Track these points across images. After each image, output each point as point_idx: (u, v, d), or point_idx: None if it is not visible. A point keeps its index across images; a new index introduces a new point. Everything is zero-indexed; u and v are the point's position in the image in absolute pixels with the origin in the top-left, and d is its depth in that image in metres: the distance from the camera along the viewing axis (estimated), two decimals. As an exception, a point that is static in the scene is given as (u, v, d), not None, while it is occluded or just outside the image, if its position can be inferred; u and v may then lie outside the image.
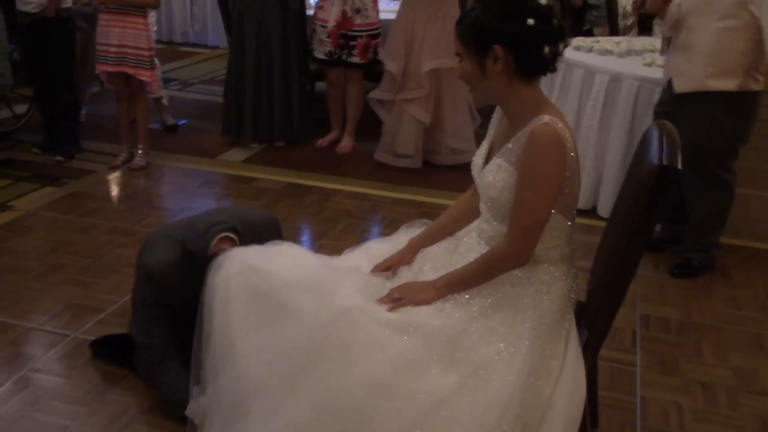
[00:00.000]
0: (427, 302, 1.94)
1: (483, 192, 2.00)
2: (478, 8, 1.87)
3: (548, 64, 1.89)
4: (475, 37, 1.86)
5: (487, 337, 1.86)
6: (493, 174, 1.93)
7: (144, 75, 4.51)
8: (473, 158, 2.10)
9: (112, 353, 2.74)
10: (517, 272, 1.95)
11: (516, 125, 1.93)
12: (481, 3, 1.88)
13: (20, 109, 5.34)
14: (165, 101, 5.42)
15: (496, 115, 2.08)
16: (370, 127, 5.06)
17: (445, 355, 1.83)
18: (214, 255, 2.18)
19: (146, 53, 4.47)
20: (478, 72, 1.88)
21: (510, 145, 1.91)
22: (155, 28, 4.92)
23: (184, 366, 2.41)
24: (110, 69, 4.54)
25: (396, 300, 1.95)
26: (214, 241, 2.39)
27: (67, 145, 4.83)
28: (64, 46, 4.71)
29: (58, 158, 4.75)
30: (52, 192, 4.31)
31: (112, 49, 4.47)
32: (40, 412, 2.49)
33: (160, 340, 2.51)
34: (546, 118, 1.84)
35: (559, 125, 1.85)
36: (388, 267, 2.15)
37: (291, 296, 1.96)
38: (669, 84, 3.43)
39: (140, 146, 4.70)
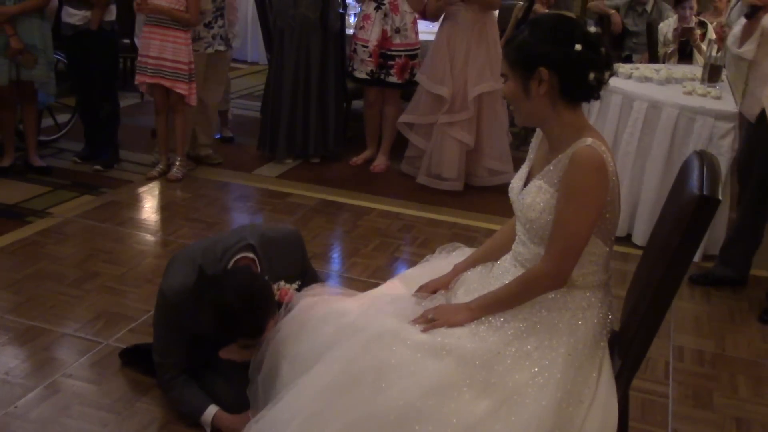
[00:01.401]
0: (461, 324, 1.94)
1: (521, 214, 1.99)
2: (527, 30, 1.88)
3: (592, 91, 1.89)
4: (521, 58, 1.87)
5: (521, 361, 1.85)
6: (532, 196, 1.93)
7: (181, 88, 4.57)
8: (512, 181, 2.10)
9: (140, 362, 2.76)
10: (553, 296, 1.94)
11: (557, 148, 1.92)
12: (531, 25, 1.90)
13: (62, 118, 5.45)
14: (230, 115, 5.62)
15: (536, 139, 2.08)
16: (404, 146, 5.07)
17: (478, 380, 1.82)
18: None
19: (185, 67, 4.53)
20: (522, 93, 1.89)
21: (551, 167, 1.90)
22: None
23: (189, 380, 2.52)
24: (147, 80, 4.61)
25: (430, 321, 1.94)
26: (231, 264, 2.41)
27: (106, 155, 4.91)
28: (106, 57, 4.80)
29: (97, 167, 4.83)
30: (89, 200, 4.38)
31: (151, 61, 4.55)
32: (71, 418, 2.51)
33: (172, 360, 2.53)
34: (589, 140, 1.84)
35: (602, 148, 1.84)
36: (434, 290, 2.16)
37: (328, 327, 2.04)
38: (761, 117, 3.38)
39: (178, 158, 4.76)
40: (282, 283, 2.44)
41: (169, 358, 2.52)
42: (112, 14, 4.71)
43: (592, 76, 1.85)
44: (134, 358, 2.79)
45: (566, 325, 1.91)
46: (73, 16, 4.64)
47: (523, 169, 2.09)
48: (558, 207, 1.87)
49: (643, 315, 1.89)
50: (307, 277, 2.66)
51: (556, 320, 1.92)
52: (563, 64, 1.83)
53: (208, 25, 4.77)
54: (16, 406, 2.55)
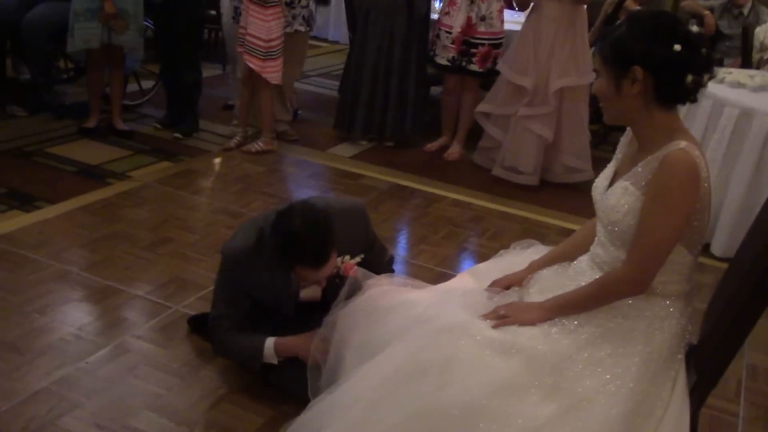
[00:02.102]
0: (533, 322, 1.90)
1: (604, 215, 1.94)
2: (625, 26, 1.82)
3: (689, 94, 1.81)
4: (616, 55, 1.80)
5: (593, 368, 1.81)
6: (617, 197, 1.87)
7: (254, 63, 4.59)
8: (596, 180, 2.04)
9: (207, 330, 2.80)
10: (630, 302, 1.89)
11: (647, 149, 1.86)
12: (630, 21, 1.83)
13: (147, 84, 5.57)
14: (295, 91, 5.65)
15: (626, 138, 2.02)
16: (479, 136, 5.01)
17: (547, 382, 1.79)
18: None
19: (261, 43, 4.54)
20: (614, 91, 1.83)
21: (639, 169, 1.84)
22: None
23: (243, 328, 2.52)
24: (239, 48, 4.68)
25: (501, 317, 1.91)
26: None
27: (187, 124, 5.00)
28: (192, 27, 4.89)
29: (177, 135, 4.92)
30: (168, 167, 4.47)
31: (241, 31, 4.64)
32: (138, 378, 2.58)
33: (227, 314, 2.53)
34: (682, 143, 1.77)
35: (696, 153, 1.78)
36: (507, 285, 2.13)
37: (397, 317, 2.03)
38: None
39: (264, 133, 4.82)
40: (347, 257, 2.43)
41: (224, 313, 2.52)
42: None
43: (689, 78, 1.77)
44: (202, 326, 2.83)
45: (642, 334, 1.86)
46: (163, -16, 4.73)
47: (609, 169, 2.03)
48: (644, 211, 1.81)
49: (724, 332, 1.82)
50: (374, 252, 2.65)
51: (632, 328, 1.87)
52: (660, 64, 1.76)
53: (290, 4, 4.78)
54: (87, 362, 2.63)
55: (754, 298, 1.75)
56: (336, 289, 2.35)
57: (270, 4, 4.54)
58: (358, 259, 2.44)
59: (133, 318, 2.93)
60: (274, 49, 4.61)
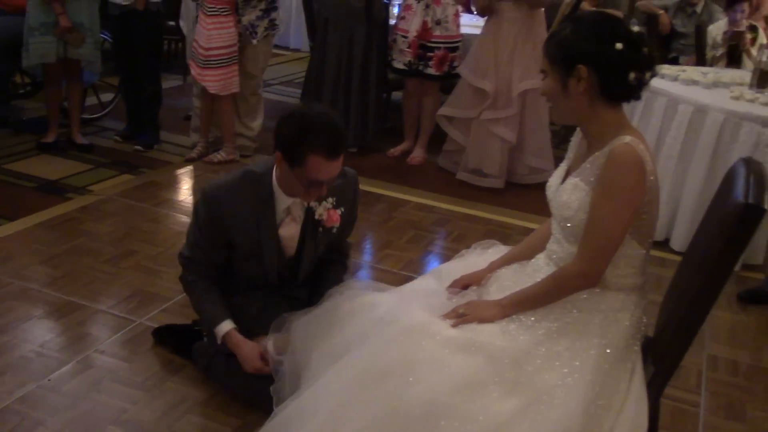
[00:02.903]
0: (491, 320, 1.93)
1: (557, 212, 1.98)
2: (569, 27, 1.86)
3: (632, 91, 1.86)
4: (561, 55, 1.85)
5: (551, 362, 1.83)
6: (568, 193, 1.91)
7: (193, 69, 4.61)
8: (549, 179, 2.07)
9: (173, 342, 2.79)
10: (585, 296, 1.92)
11: (595, 146, 1.90)
12: (573, 22, 1.88)
13: (106, 97, 5.52)
14: None
15: (576, 137, 2.06)
16: (442, 140, 5.04)
17: (507, 378, 1.81)
18: None
19: (201, 50, 4.52)
20: (560, 90, 1.88)
21: (588, 165, 1.88)
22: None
23: (212, 288, 2.49)
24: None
25: (460, 316, 1.93)
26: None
27: (147, 136, 4.96)
28: (151, 38, 4.85)
29: (138, 147, 4.89)
30: (129, 180, 4.44)
31: (194, 44, 4.64)
32: (102, 393, 2.55)
33: (199, 256, 2.47)
34: (627, 138, 1.82)
35: (641, 147, 1.82)
36: (466, 285, 2.15)
37: (358, 321, 2.05)
38: None
39: (226, 143, 4.79)
40: (331, 200, 2.42)
41: (196, 254, 2.47)
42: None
43: (632, 76, 1.82)
44: (167, 337, 2.82)
45: (598, 327, 1.89)
46: (121, -4, 4.69)
47: (561, 167, 2.07)
48: (593, 205, 1.85)
49: (679, 323, 1.86)
50: (346, 229, 2.60)
51: (587, 321, 1.90)
52: (603, 62, 1.81)
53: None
54: (49, 378, 2.60)
55: (706, 289, 1.79)
56: (313, 236, 2.39)
57: (212, 13, 4.48)
58: (341, 210, 2.44)
59: (96, 333, 2.90)
60: (213, 59, 4.53)
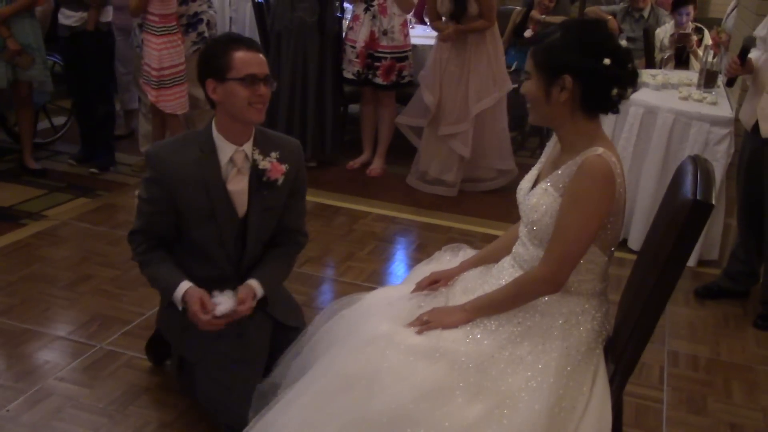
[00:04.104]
0: (455, 325, 1.94)
1: (525, 215, 2.01)
2: (559, 34, 1.88)
3: (612, 105, 1.90)
4: (548, 62, 1.87)
5: (515, 366, 1.85)
6: (537, 197, 1.94)
7: (148, 92, 4.51)
8: (521, 182, 2.10)
9: (166, 353, 2.72)
10: (547, 300, 1.95)
11: (567, 153, 1.94)
12: (563, 30, 1.89)
13: (59, 120, 5.44)
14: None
15: (551, 142, 2.09)
16: (401, 150, 5.07)
17: (471, 383, 1.82)
18: None
19: (153, 72, 4.43)
20: (543, 95, 1.90)
21: (559, 172, 1.91)
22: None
23: (166, 257, 2.42)
24: (140, 81, 4.60)
25: (424, 323, 1.94)
26: None
27: (102, 158, 4.90)
28: (102, 59, 4.78)
29: (93, 170, 4.82)
30: (85, 203, 4.37)
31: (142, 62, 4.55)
32: (63, 422, 2.50)
33: (147, 224, 2.41)
34: (600, 150, 1.85)
35: (612, 159, 1.85)
36: (435, 281, 2.16)
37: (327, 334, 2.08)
38: (754, 129, 3.34)
39: None
40: (274, 154, 2.40)
41: (143, 223, 2.40)
42: (108, 15, 4.70)
43: (615, 91, 1.86)
44: (159, 349, 2.75)
45: (560, 330, 1.92)
46: (70, 17, 4.63)
47: (533, 171, 2.11)
48: (560, 212, 1.88)
49: (635, 321, 1.88)
50: (297, 199, 2.57)
51: (550, 325, 1.93)
52: (589, 75, 1.84)
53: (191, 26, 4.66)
54: (8, 409, 2.54)
55: (659, 286, 1.82)
56: (260, 191, 2.37)
57: (161, 33, 4.40)
58: (285, 166, 2.41)
59: (55, 360, 2.85)
60: (167, 78, 4.46)
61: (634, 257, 3.82)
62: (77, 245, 3.81)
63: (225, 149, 2.37)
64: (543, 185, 1.94)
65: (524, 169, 2.16)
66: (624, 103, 3.98)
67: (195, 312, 2.27)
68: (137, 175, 4.78)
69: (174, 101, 4.53)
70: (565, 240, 1.86)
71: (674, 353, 3.15)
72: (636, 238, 3.98)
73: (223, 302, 2.30)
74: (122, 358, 2.86)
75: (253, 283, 2.40)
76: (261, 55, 2.33)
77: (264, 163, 2.39)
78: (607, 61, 1.81)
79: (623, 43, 1.90)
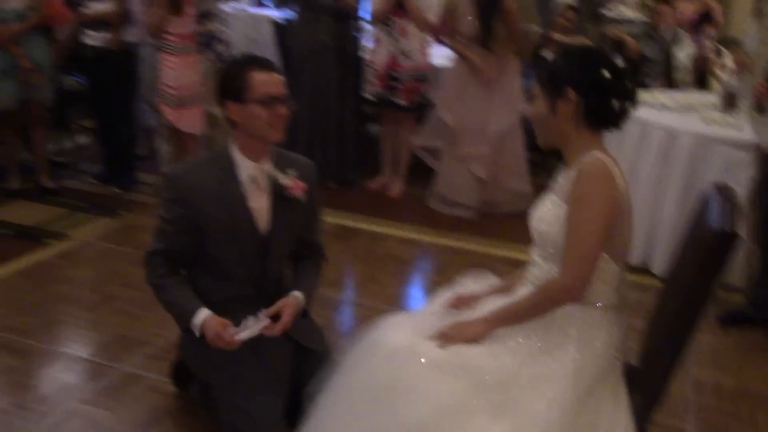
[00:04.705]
0: (476, 337, 1.95)
1: (534, 229, 2.04)
2: (560, 54, 2.06)
3: (615, 119, 1.97)
4: (551, 78, 1.98)
5: (535, 383, 1.86)
6: (544, 209, 2.01)
7: (165, 111, 4.54)
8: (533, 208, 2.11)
9: (190, 380, 2.72)
10: (564, 313, 1.95)
11: (571, 166, 1.99)
12: (563, 51, 2.08)
13: (81, 140, 5.50)
14: None
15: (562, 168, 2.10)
16: (422, 171, 5.08)
17: (493, 401, 1.83)
18: None
19: (172, 91, 4.48)
20: (550, 111, 1.98)
21: (562, 181, 1.99)
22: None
23: (184, 282, 2.44)
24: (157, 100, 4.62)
25: (445, 336, 1.96)
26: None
27: (124, 178, 4.94)
28: (125, 78, 4.83)
29: (115, 190, 4.86)
30: (107, 223, 4.41)
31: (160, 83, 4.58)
32: (85, 445, 2.51)
33: (165, 246, 2.40)
34: (597, 153, 1.92)
35: (609, 162, 1.91)
36: (465, 302, 2.18)
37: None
38: None
39: None
40: (292, 171, 2.42)
41: (162, 244, 2.40)
42: (131, 35, 4.74)
43: (615, 103, 1.94)
44: (183, 375, 2.75)
45: (574, 344, 1.92)
46: (94, 38, 4.69)
47: (546, 195, 2.12)
48: (568, 218, 1.92)
49: (662, 352, 1.88)
50: (315, 218, 2.59)
51: (564, 339, 1.93)
52: (590, 87, 1.93)
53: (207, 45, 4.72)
54: None
55: (685, 317, 1.82)
56: (282, 207, 2.38)
57: (179, 52, 4.45)
58: (304, 184, 2.43)
59: (77, 382, 2.86)
60: (187, 98, 4.50)
61: (656, 282, 3.84)
62: (99, 265, 3.84)
63: (244, 166, 2.38)
64: (549, 197, 2.02)
65: (543, 191, 2.16)
66: (644, 126, 3.99)
67: (213, 340, 2.28)
68: (159, 195, 4.80)
69: (192, 121, 4.57)
70: (577, 241, 1.89)
71: (698, 382, 3.11)
72: (658, 262, 3.95)
73: (249, 327, 2.30)
74: (144, 381, 2.87)
75: (298, 296, 2.42)
76: (279, 76, 2.35)
77: (286, 180, 2.41)
78: (606, 73, 1.92)
79: (619, 60, 1.99)
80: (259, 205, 2.41)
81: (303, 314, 2.48)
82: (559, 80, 1.95)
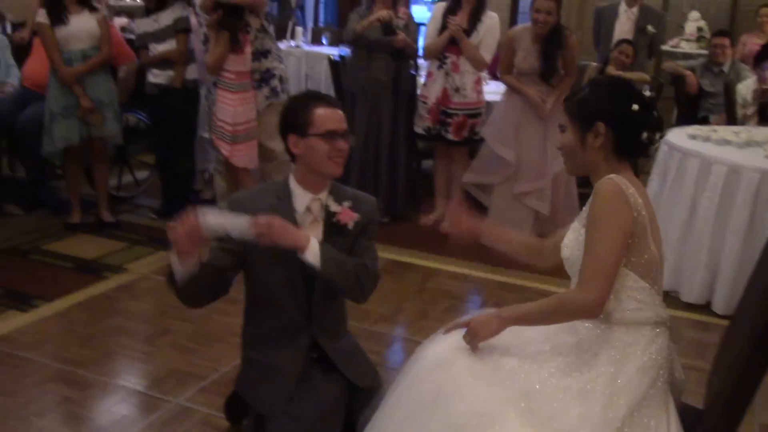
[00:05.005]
0: (492, 333, 1.97)
1: (562, 256, 2.08)
2: (588, 89, 2.05)
3: (643, 149, 2.02)
4: (581, 111, 2.01)
5: (562, 396, 1.86)
6: (568, 236, 2.06)
7: (223, 147, 4.59)
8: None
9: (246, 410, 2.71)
10: (591, 328, 1.96)
11: None
12: (591, 85, 2.09)
13: (141, 174, 5.63)
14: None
15: None
16: (475, 205, 5.04)
17: (524, 411, 1.84)
18: None
19: (228, 127, 4.53)
20: (579, 144, 2.02)
21: (585, 208, 2.02)
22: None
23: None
24: (212, 136, 4.69)
25: (462, 326, 2.02)
26: None
27: (182, 212, 5.01)
28: (187, 115, 4.94)
29: (173, 224, 4.93)
30: (164, 257, 4.45)
31: (213, 117, 4.65)
32: (139, 478, 2.52)
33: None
34: (612, 176, 1.95)
35: (625, 183, 1.93)
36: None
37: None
38: None
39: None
40: (347, 203, 2.42)
41: (206, 258, 2.43)
42: (194, 72, 4.87)
43: (645, 135, 1.98)
44: (238, 407, 2.73)
45: (607, 361, 1.91)
46: (158, 76, 4.83)
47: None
48: (586, 238, 1.95)
49: (728, 397, 1.80)
50: (368, 249, 2.54)
51: (597, 354, 1.93)
52: (620, 120, 1.97)
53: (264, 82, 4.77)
54: (86, 463, 2.58)
55: (757, 355, 1.74)
56: (332, 236, 2.36)
57: (237, 89, 4.52)
58: (357, 216, 2.43)
59: (133, 415, 2.89)
60: (241, 134, 4.57)
61: (718, 321, 3.72)
62: (156, 299, 3.89)
63: (301, 197, 2.41)
64: (573, 224, 2.07)
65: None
66: (705, 161, 3.91)
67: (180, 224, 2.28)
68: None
69: (246, 156, 4.64)
70: (593, 257, 1.91)
71: (765, 427, 2.98)
72: (721, 300, 3.83)
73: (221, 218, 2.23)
74: (198, 415, 2.88)
75: (312, 238, 2.33)
76: (340, 112, 2.40)
77: (336, 207, 2.43)
78: (635, 106, 1.96)
79: (647, 93, 2.02)
80: (313, 233, 2.42)
81: (344, 322, 2.49)
82: (589, 114, 1.98)
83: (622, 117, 1.97)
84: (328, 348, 2.45)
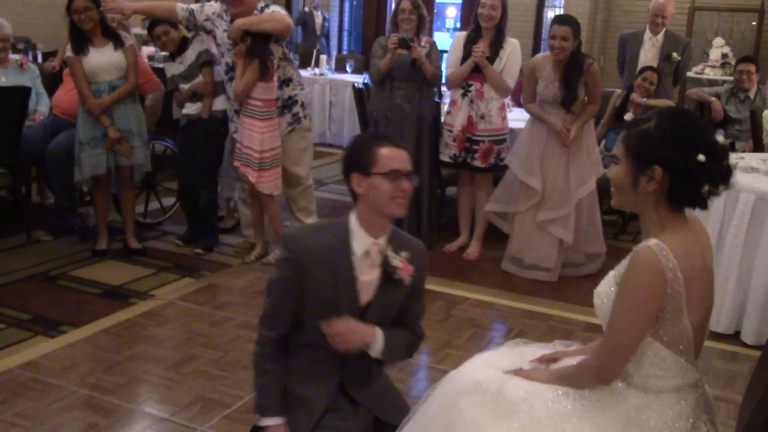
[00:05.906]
0: (537, 380, 1.97)
1: (594, 301, 2.01)
2: (653, 122, 1.83)
3: (701, 201, 1.83)
4: (640, 149, 1.83)
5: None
6: (603, 284, 1.96)
7: (250, 174, 4.61)
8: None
9: None
10: (609, 392, 1.91)
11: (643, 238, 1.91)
12: (659, 117, 1.84)
13: (168, 201, 5.69)
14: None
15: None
16: (499, 233, 5.03)
17: None
18: None
19: (255, 154, 4.56)
20: (630, 183, 1.86)
21: (624, 261, 1.89)
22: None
23: (280, 374, 2.40)
24: (237, 163, 4.72)
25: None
26: None
27: (207, 239, 5.07)
28: (211, 145, 4.98)
29: (198, 251, 4.98)
30: (190, 283, 4.51)
31: (238, 145, 4.68)
32: (164, 506, 2.52)
33: (273, 323, 2.40)
34: (653, 242, 1.79)
35: (664, 252, 1.77)
36: (555, 358, 2.16)
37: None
38: None
39: (279, 243, 4.84)
40: (405, 254, 2.37)
41: (270, 308, 2.36)
42: (221, 104, 4.93)
43: (706, 188, 1.80)
44: None
45: (622, 424, 1.86)
46: (189, 107, 4.91)
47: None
48: (613, 303, 1.87)
49: (764, 424, 1.77)
50: (419, 300, 2.53)
51: (615, 415, 1.88)
52: (681, 170, 1.78)
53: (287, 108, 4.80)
54: (112, 491, 2.59)
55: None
56: (386, 286, 2.35)
57: (264, 117, 4.56)
58: (413, 268, 2.40)
59: (158, 442, 2.90)
60: (267, 161, 4.61)
61: (747, 351, 3.67)
62: (181, 325, 3.91)
63: (361, 240, 2.37)
64: (611, 272, 1.94)
65: (624, 253, 2.08)
66: (733, 189, 3.89)
67: None
68: (240, 255, 4.92)
69: (271, 182, 4.68)
70: (612, 331, 1.86)
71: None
72: (750, 330, 3.77)
73: None
74: (222, 443, 2.88)
75: (377, 329, 2.36)
76: (405, 152, 2.36)
77: (396, 261, 2.41)
78: (701, 157, 1.76)
79: (720, 139, 1.84)
80: (368, 279, 2.40)
81: (377, 366, 2.44)
82: (648, 154, 1.80)
83: (684, 166, 1.76)
84: (355, 394, 2.45)
